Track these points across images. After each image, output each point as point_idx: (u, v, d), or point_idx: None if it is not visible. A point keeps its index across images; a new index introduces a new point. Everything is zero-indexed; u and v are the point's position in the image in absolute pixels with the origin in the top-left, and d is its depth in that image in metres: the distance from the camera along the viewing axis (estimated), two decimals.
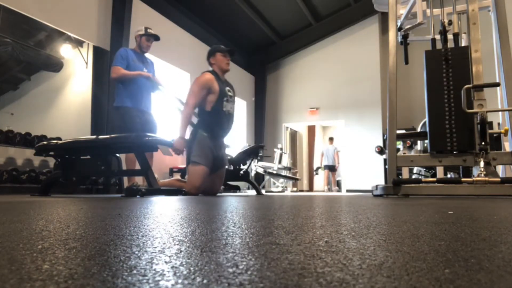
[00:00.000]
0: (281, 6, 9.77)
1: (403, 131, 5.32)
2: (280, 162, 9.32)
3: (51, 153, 3.59)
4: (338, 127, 11.66)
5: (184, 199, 2.47)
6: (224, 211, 1.34)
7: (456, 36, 3.72)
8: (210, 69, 3.91)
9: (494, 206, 1.67)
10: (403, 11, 4.08)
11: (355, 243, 0.55)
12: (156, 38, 4.25)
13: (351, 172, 10.58)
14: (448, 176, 5.33)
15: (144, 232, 0.68)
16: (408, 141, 4.91)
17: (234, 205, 1.71)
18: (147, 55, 4.32)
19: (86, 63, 6.83)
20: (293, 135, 12.83)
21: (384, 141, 5.40)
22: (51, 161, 5.19)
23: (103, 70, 6.17)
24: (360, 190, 9.52)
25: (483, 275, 0.35)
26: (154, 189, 3.19)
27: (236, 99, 4.17)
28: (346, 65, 10.88)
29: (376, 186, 3.65)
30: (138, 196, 2.94)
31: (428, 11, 4.00)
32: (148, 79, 4.04)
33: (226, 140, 4.21)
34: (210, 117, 3.76)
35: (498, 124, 4.81)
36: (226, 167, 4.44)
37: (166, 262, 0.41)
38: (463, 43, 4.37)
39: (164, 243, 0.55)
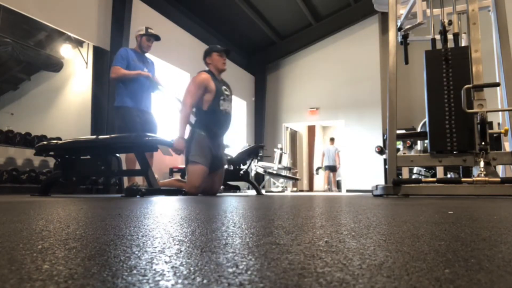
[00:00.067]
0: (281, 6, 9.77)
1: (403, 131, 5.32)
2: (280, 162, 9.32)
3: (51, 153, 3.59)
4: (338, 127, 11.66)
5: (184, 199, 2.47)
6: (224, 211, 1.34)
7: (456, 36, 3.72)
8: (206, 68, 3.93)
9: (494, 206, 1.67)
10: (403, 11, 4.08)
11: (355, 243, 0.55)
12: (157, 38, 4.25)
13: (351, 172, 10.58)
14: (448, 176, 5.33)
15: (144, 232, 0.68)
16: (408, 141, 4.91)
17: (234, 205, 1.71)
18: (147, 55, 4.32)
19: (86, 63, 6.83)
20: (293, 135, 12.83)
21: (384, 141, 5.40)
22: (51, 161, 5.19)
23: (103, 70, 6.17)
24: (360, 190, 9.52)
25: (483, 275, 0.35)
26: (154, 189, 3.19)
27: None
28: (346, 65, 10.88)
29: (376, 186, 3.65)
30: (138, 196, 2.94)
31: (428, 11, 4.00)
32: (148, 78, 4.04)
33: (226, 140, 4.21)
34: (208, 117, 3.78)
35: (498, 124, 4.81)
36: (226, 167, 4.45)
37: (166, 262, 0.41)
38: (463, 43, 4.37)
39: (164, 243, 0.55)
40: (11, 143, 5.44)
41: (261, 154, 7.37)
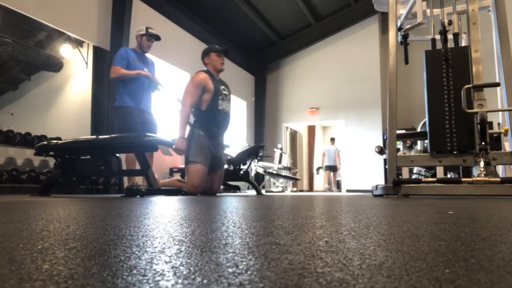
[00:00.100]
0: (281, 6, 9.77)
1: (403, 131, 5.32)
2: (280, 162, 9.32)
3: (51, 153, 3.59)
4: (338, 127, 11.66)
5: (184, 199, 2.47)
6: (224, 211, 1.34)
7: (456, 36, 3.72)
8: (205, 69, 3.95)
9: (494, 206, 1.67)
10: (403, 11, 4.08)
11: (355, 243, 0.55)
12: (157, 38, 4.25)
13: (351, 172, 10.58)
14: (448, 176, 5.33)
15: (144, 232, 0.68)
16: (408, 141, 4.91)
17: (234, 205, 1.71)
18: (147, 55, 4.32)
19: (86, 63, 6.83)
20: (293, 135, 12.83)
21: (384, 141, 5.40)
22: (51, 161, 5.19)
23: (103, 70, 6.17)
24: (360, 190, 9.52)
25: (483, 275, 0.35)
26: (154, 189, 3.19)
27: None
28: (346, 65, 10.88)
29: (376, 186, 3.65)
30: (138, 196, 2.94)
31: (428, 11, 4.00)
32: (147, 78, 4.04)
33: (226, 140, 4.22)
34: (206, 116, 3.79)
35: (498, 124, 4.81)
36: (226, 166, 4.44)
37: (166, 262, 0.41)
38: (463, 43, 4.37)
39: (164, 243, 0.55)
40: (11, 143, 5.44)
41: (261, 154, 7.37)
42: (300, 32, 11.19)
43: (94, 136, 3.50)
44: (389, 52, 3.82)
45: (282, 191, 9.00)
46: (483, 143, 3.27)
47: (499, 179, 3.08)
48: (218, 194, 4.08)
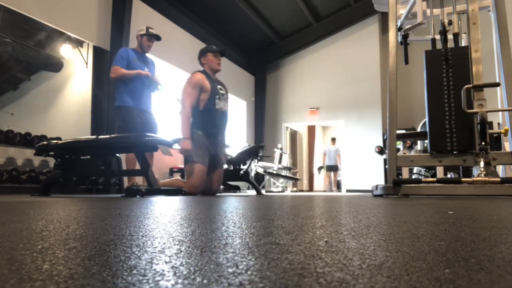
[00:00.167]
0: (281, 6, 9.77)
1: (403, 131, 5.32)
2: (280, 162, 9.32)
3: (51, 153, 3.59)
4: (338, 127, 11.66)
5: (184, 199, 2.47)
6: (224, 211, 1.34)
7: (456, 36, 3.72)
8: (201, 69, 3.96)
9: (494, 206, 1.67)
10: (403, 11, 4.08)
11: (355, 243, 0.55)
12: (157, 38, 4.26)
13: (351, 172, 10.58)
14: (448, 176, 5.33)
15: (144, 232, 0.68)
16: (408, 141, 4.91)
17: (234, 205, 1.71)
18: (148, 55, 4.33)
19: (86, 63, 6.83)
20: (293, 135, 12.83)
21: (384, 141, 5.40)
22: (51, 161, 5.19)
23: (103, 70, 6.17)
24: (360, 190, 9.52)
25: (483, 275, 0.35)
26: (154, 189, 3.19)
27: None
28: (346, 65, 10.87)
29: (376, 186, 3.65)
30: (138, 196, 2.94)
31: (428, 11, 4.00)
32: (147, 78, 4.05)
33: (226, 140, 4.22)
34: (204, 116, 3.80)
35: (498, 124, 4.81)
36: (226, 166, 4.44)
37: (166, 262, 0.41)
38: (463, 43, 4.37)
39: (164, 243, 0.55)
40: (11, 143, 5.44)
41: (261, 154, 7.37)
42: (300, 32, 11.19)
43: (94, 136, 3.50)
44: (389, 52, 3.82)
45: (282, 191, 9.00)
46: (483, 143, 3.26)
47: (499, 179, 3.08)
48: (218, 194, 4.08)
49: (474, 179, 3.12)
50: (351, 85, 10.73)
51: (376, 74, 10.53)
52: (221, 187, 4.90)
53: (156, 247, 0.51)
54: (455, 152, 3.47)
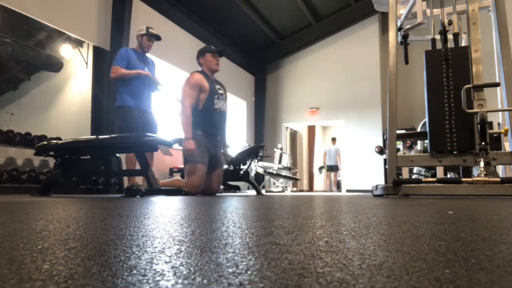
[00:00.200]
0: (281, 6, 9.77)
1: (403, 131, 5.32)
2: (280, 162, 9.32)
3: (51, 153, 3.59)
4: (338, 127, 11.66)
5: (184, 199, 2.47)
6: (224, 211, 1.34)
7: (456, 36, 3.72)
8: (199, 69, 3.97)
9: (494, 206, 1.67)
10: (403, 11, 4.08)
11: (355, 243, 0.55)
12: (158, 38, 4.26)
13: (351, 172, 10.58)
14: (448, 176, 5.33)
15: (144, 232, 0.68)
16: (408, 141, 4.91)
17: (234, 205, 1.71)
18: (148, 54, 4.33)
19: (86, 63, 6.83)
20: (293, 135, 12.83)
21: (384, 141, 5.40)
22: (51, 161, 5.19)
23: (103, 70, 6.17)
24: (360, 190, 9.51)
25: (483, 275, 0.35)
26: (154, 189, 3.19)
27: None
28: (346, 65, 10.87)
29: (376, 186, 3.65)
30: (138, 196, 2.94)
31: (428, 11, 4.00)
32: (147, 78, 4.05)
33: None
34: (203, 116, 3.81)
35: (498, 124, 4.81)
36: (226, 166, 4.44)
37: (166, 262, 0.41)
38: (463, 43, 4.37)
39: (164, 243, 0.55)
40: (11, 143, 5.44)
41: (261, 154, 7.37)
42: (300, 32, 11.19)
43: (94, 136, 3.50)
44: (389, 52, 3.82)
45: (282, 191, 9.00)
46: (483, 143, 3.26)
47: (499, 179, 3.08)
48: (218, 194, 4.09)
49: (474, 179, 3.12)
50: (351, 85, 10.73)
51: (376, 74, 10.53)
52: (221, 187, 4.90)
53: (156, 247, 0.51)
54: (455, 152, 3.47)
